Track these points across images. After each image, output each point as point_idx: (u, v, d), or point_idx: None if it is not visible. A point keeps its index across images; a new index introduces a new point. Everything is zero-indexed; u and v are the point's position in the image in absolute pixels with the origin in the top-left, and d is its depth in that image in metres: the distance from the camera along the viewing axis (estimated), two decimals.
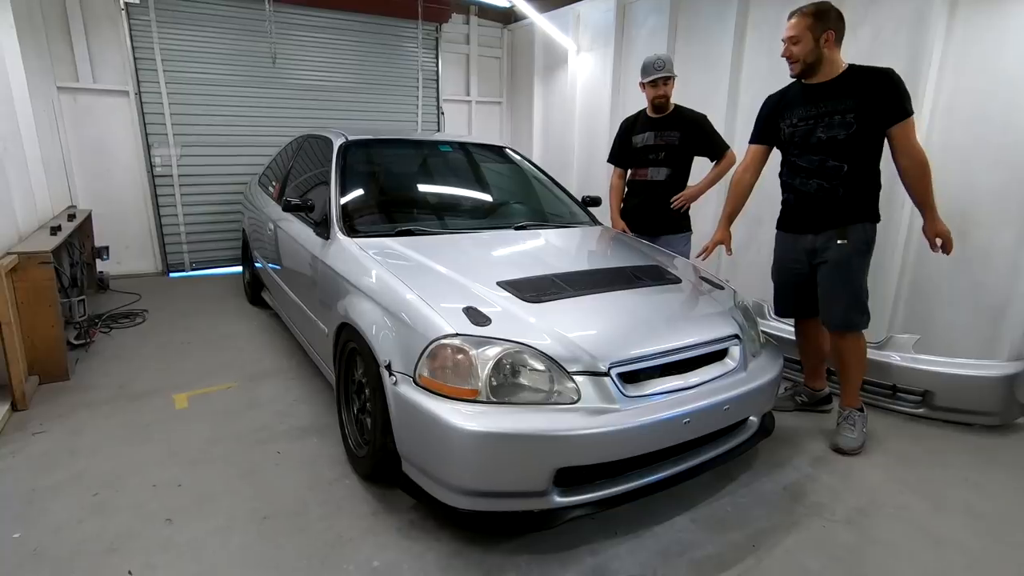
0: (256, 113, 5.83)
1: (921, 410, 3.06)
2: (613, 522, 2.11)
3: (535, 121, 6.95)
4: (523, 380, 1.88)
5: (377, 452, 2.14)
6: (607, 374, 1.91)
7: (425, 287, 2.16)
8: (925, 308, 3.58)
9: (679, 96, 4.99)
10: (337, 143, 3.25)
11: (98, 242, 5.17)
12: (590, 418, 1.83)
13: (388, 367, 2.00)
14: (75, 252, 4.25)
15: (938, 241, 2.56)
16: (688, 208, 3.51)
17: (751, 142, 2.91)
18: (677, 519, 2.15)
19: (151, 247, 5.75)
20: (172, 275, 5.80)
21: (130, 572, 1.81)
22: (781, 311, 3.00)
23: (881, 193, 2.63)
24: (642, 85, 3.44)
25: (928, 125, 3.47)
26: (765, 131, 2.84)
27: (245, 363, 3.53)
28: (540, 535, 2.02)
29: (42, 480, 2.29)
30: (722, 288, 2.66)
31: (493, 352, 1.87)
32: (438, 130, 6.94)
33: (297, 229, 3.13)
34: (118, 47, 5.23)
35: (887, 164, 2.60)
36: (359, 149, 3.31)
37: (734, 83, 4.58)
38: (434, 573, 1.84)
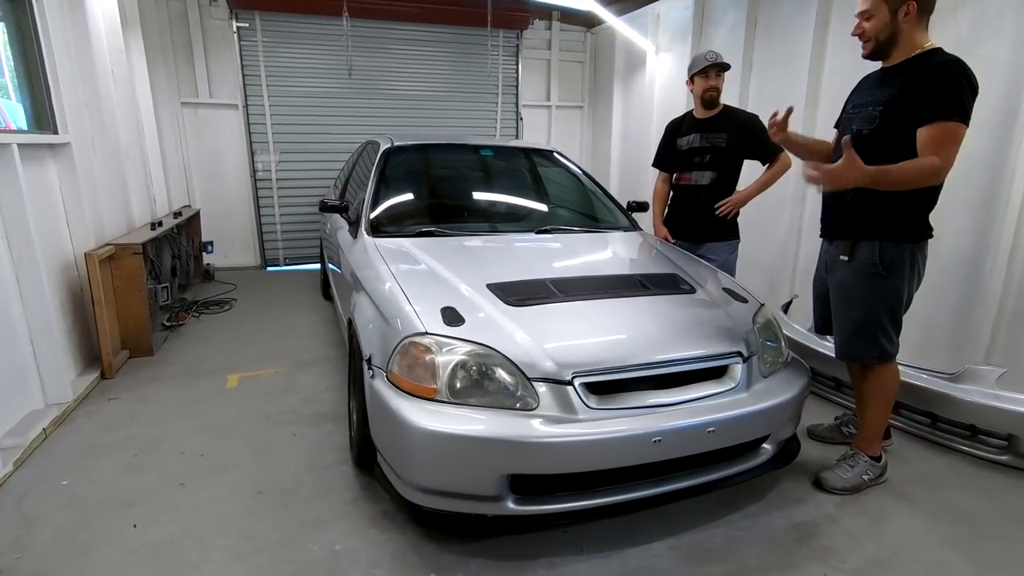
0: (345, 122, 6.29)
1: (1005, 457, 2.60)
2: (583, 538, 2.03)
3: (614, 124, 6.82)
4: (483, 383, 1.87)
5: (360, 441, 2.24)
6: (570, 383, 1.85)
7: (415, 286, 2.23)
8: None
9: (756, 93, 4.71)
10: (383, 147, 3.44)
11: (206, 237, 5.88)
12: (544, 426, 1.78)
13: (368, 361, 2.09)
14: (179, 245, 4.87)
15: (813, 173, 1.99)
16: (736, 215, 3.25)
17: (835, 125, 2.53)
18: (656, 544, 2.01)
19: (252, 243, 6.43)
20: (268, 269, 6.44)
21: (135, 525, 2.06)
22: (814, 325, 2.69)
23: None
24: (690, 82, 3.24)
25: None
26: (840, 116, 2.46)
27: (298, 351, 3.83)
28: (503, 540, 2.00)
29: (101, 439, 2.67)
30: (745, 301, 2.44)
31: (456, 353, 1.88)
32: (516, 136, 7.04)
33: (342, 230, 3.35)
34: (231, 66, 5.93)
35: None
36: (402, 154, 3.48)
37: (814, 79, 4.18)
38: (387, 563, 1.89)
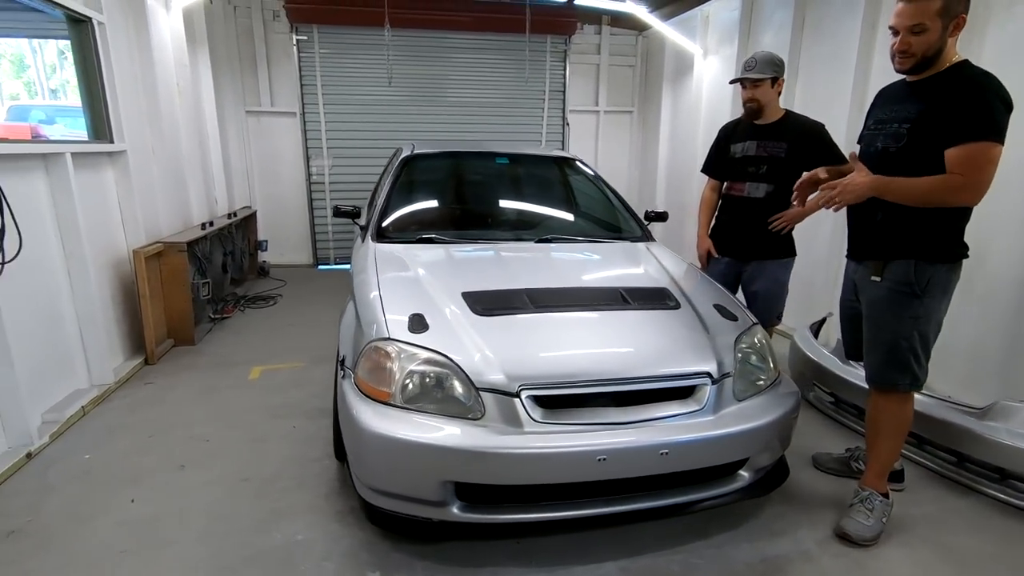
0: (394, 128, 6.50)
1: None
2: (535, 550, 2.02)
3: (662, 129, 6.67)
4: (434, 390, 1.91)
5: (335, 437, 2.35)
6: (517, 395, 1.85)
7: (394, 293, 2.30)
8: None
9: (802, 97, 4.46)
10: (402, 155, 3.57)
11: (262, 236, 6.31)
12: (484, 437, 1.79)
13: (342, 362, 2.19)
14: (233, 243, 5.26)
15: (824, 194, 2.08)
16: (791, 229, 2.96)
17: (858, 141, 2.38)
18: (608, 564, 1.97)
19: (306, 242, 6.82)
20: (320, 267, 6.80)
21: (132, 500, 2.27)
22: (844, 351, 2.53)
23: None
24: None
25: None
26: (862, 132, 2.32)
27: (322, 347, 4.02)
28: (455, 545, 2.04)
29: (128, 419, 2.95)
30: (735, 320, 2.33)
31: (412, 360, 1.93)
32: (562, 142, 7.03)
33: (359, 236, 3.50)
34: (290, 76, 6.33)
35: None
36: (419, 161, 3.59)
37: (860, 82, 3.90)
38: (337, 557, 1.98)
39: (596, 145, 7.24)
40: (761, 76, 2.83)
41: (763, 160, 2.92)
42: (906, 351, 2.08)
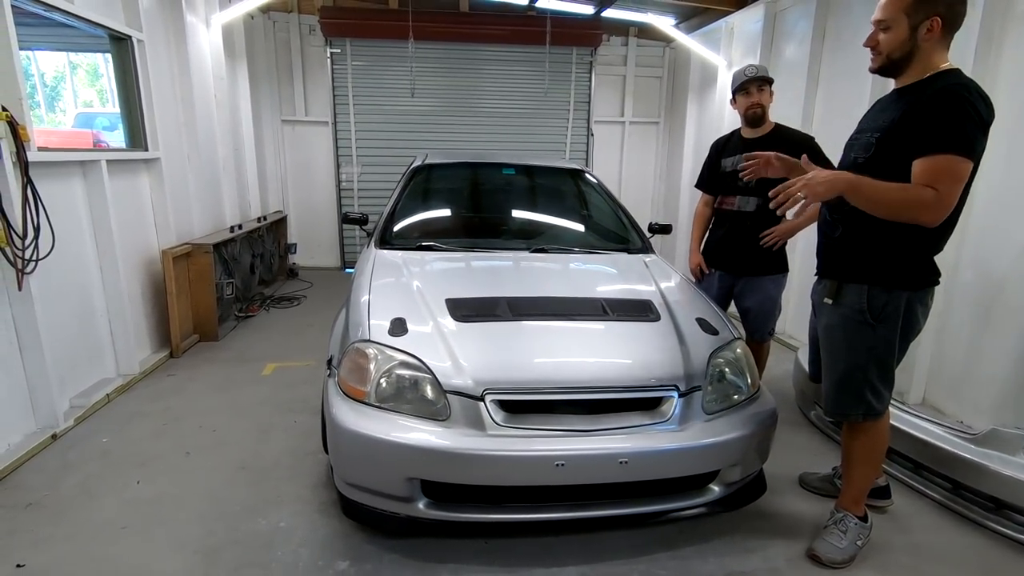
0: (421, 138, 6.68)
1: None
2: (500, 550, 2.09)
3: (686, 140, 6.63)
4: (405, 391, 2.01)
5: (324, 432, 2.47)
6: (481, 399, 1.93)
7: (383, 297, 2.42)
8: None
9: (822, 107, 4.39)
10: (413, 164, 3.71)
11: (292, 240, 6.60)
12: (446, 437, 1.88)
13: (329, 362, 2.32)
14: (263, 245, 5.53)
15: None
16: (783, 245, 2.97)
17: None
18: (568, 569, 2.02)
19: (335, 246, 7.08)
20: (347, 271, 7.03)
21: (138, 481, 2.46)
22: (809, 372, 2.49)
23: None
24: (733, 101, 3.04)
25: None
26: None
27: None
28: (425, 541, 2.12)
29: (146, 407, 3.17)
30: (716, 334, 2.34)
31: (388, 362, 2.04)
32: (586, 152, 7.08)
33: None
34: (324, 87, 6.61)
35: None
36: (428, 170, 3.72)
37: (879, 92, 3.74)
38: (314, 545, 2.09)
39: (621, 156, 7.25)
40: (767, 77, 2.89)
41: None
42: (860, 382, 2.02)
